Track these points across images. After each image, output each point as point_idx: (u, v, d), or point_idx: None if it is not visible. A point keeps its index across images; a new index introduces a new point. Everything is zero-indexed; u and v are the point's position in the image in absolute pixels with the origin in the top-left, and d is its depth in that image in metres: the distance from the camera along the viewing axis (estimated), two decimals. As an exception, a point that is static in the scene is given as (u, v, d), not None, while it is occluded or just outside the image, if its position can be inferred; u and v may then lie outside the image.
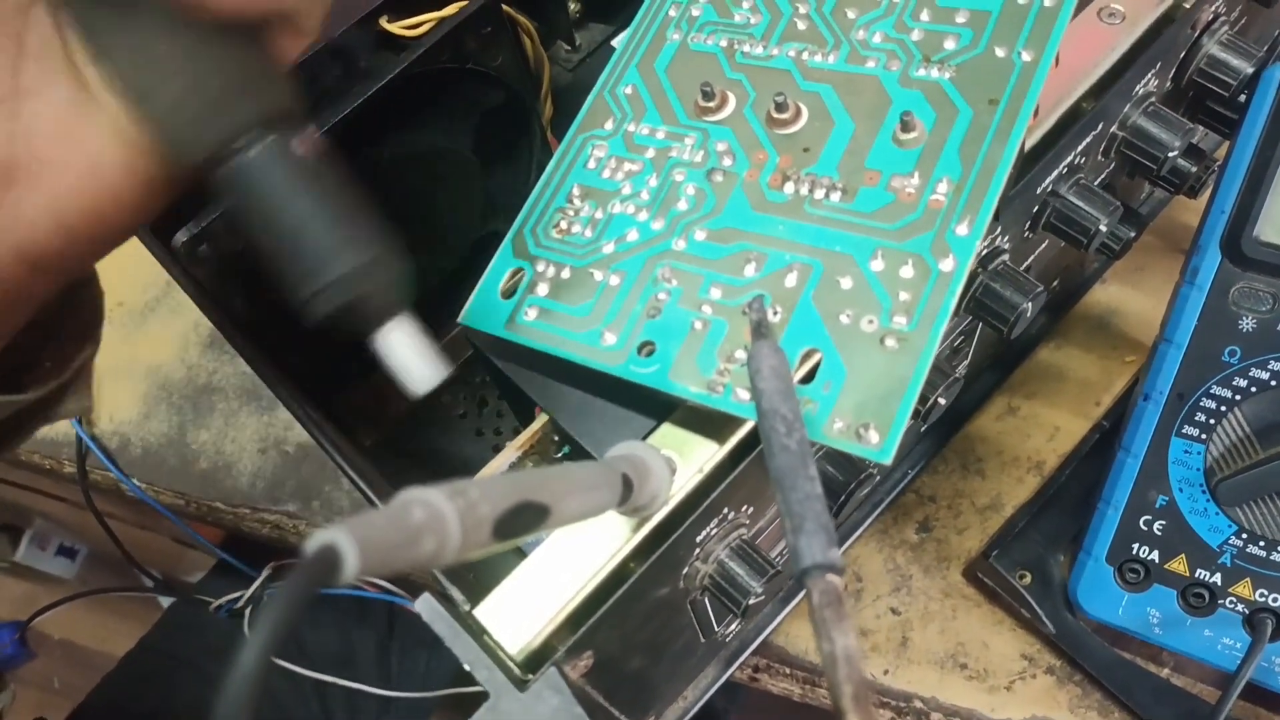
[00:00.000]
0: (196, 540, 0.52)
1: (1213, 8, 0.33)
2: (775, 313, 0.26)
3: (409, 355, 0.23)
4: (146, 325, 0.54)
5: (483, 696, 0.24)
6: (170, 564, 0.97)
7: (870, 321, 0.25)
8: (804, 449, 0.20)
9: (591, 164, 0.31)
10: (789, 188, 0.27)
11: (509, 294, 0.30)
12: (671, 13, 0.33)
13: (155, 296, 0.55)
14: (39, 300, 0.24)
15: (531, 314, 0.29)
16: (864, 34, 0.29)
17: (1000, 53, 0.27)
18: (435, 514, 0.15)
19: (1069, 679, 0.40)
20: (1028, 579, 0.40)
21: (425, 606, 0.25)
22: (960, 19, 0.28)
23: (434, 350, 0.24)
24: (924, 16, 0.28)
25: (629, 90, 0.32)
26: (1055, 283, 0.43)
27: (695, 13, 0.32)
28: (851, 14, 0.30)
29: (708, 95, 0.29)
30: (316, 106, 0.35)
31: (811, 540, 0.18)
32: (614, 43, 0.40)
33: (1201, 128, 0.37)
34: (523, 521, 0.17)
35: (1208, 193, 0.36)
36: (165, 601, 0.80)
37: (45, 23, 0.22)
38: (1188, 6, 0.32)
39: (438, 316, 0.46)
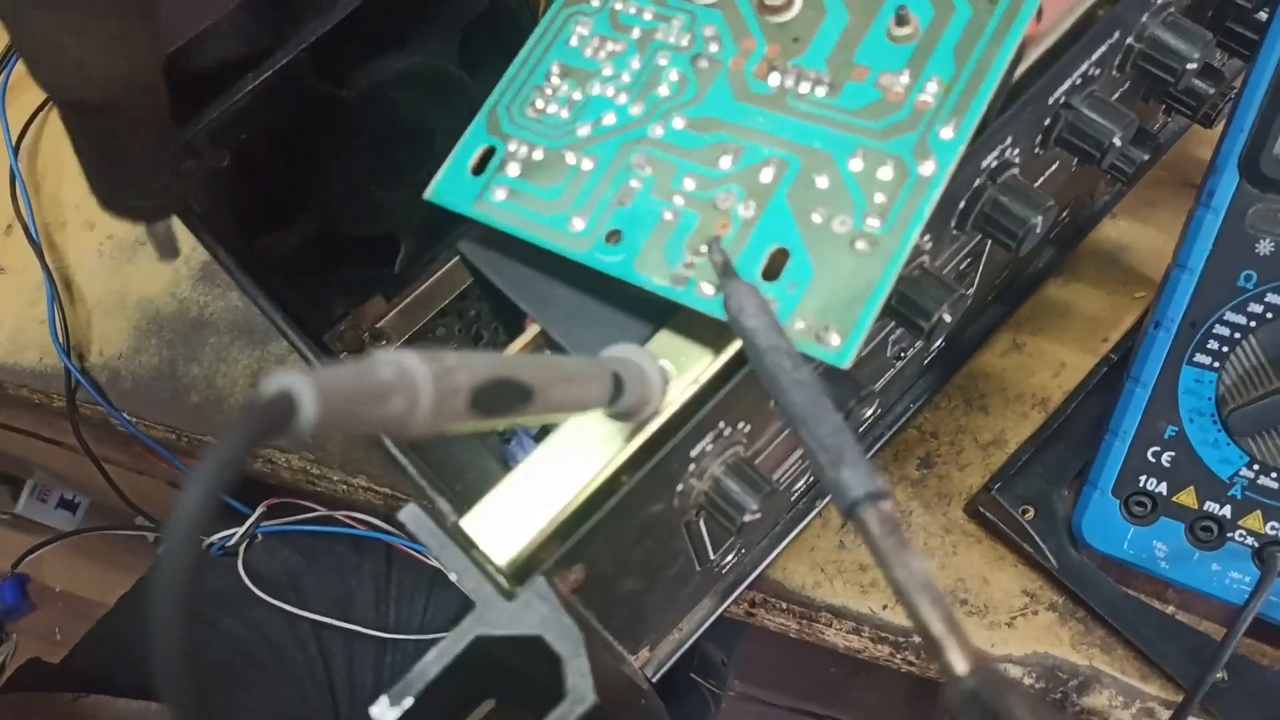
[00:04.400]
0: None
1: (1235, -87, 0.31)
2: (748, 207, 0.25)
3: None
4: (137, 258, 0.53)
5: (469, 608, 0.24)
6: (168, 508, 0.96)
7: (843, 222, 0.24)
8: (815, 380, 0.19)
9: (574, 41, 0.29)
10: (774, 79, 0.26)
11: (479, 170, 0.29)
12: None
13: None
14: None
15: (500, 194, 0.28)
16: None
17: None
18: (405, 373, 0.14)
19: (1071, 615, 0.39)
20: (1031, 513, 0.39)
21: (410, 516, 0.24)
22: None
23: None
24: None
25: None
26: (1065, 214, 0.42)
27: None
28: None
29: None
30: (304, 20, 0.34)
31: (856, 471, 0.17)
32: None
33: (1219, 48, 0.36)
34: (503, 400, 0.16)
35: (1222, 124, 0.34)
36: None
37: None
38: (1209, -91, 0.30)
39: (435, 237, 0.45)
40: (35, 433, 0.72)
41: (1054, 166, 0.35)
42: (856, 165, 0.24)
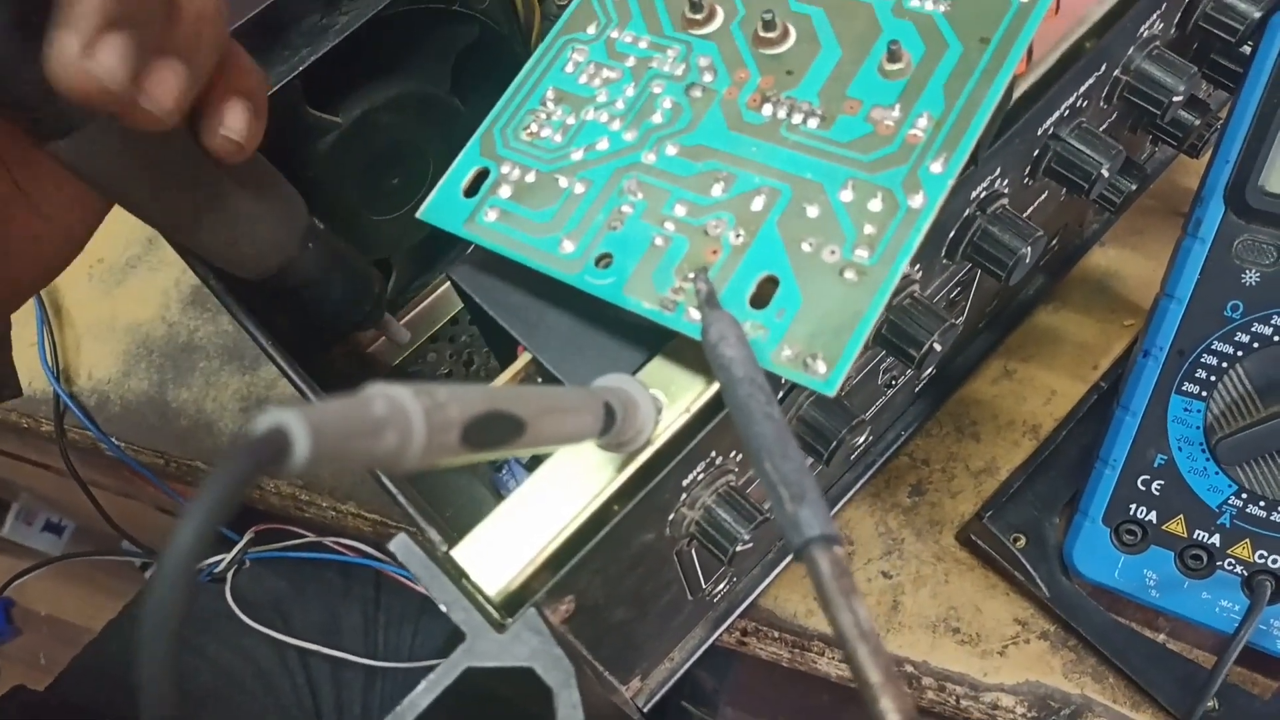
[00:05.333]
0: (177, 502, 0.51)
1: (1220, -52, 0.32)
2: (739, 235, 0.25)
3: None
4: (126, 282, 0.53)
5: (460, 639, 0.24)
6: (155, 533, 0.96)
7: (832, 252, 0.24)
8: (783, 416, 0.20)
9: (570, 68, 0.30)
10: (767, 109, 0.26)
11: (471, 192, 0.29)
12: None
13: (136, 253, 0.54)
14: None
15: (492, 215, 0.28)
16: None
17: None
18: (399, 408, 0.14)
19: (1063, 644, 0.39)
20: (1022, 541, 0.39)
21: (400, 546, 0.24)
22: None
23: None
24: None
25: None
26: (1054, 242, 0.42)
27: None
28: None
29: (695, 7, 0.29)
30: (296, 48, 0.34)
31: (814, 510, 0.17)
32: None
33: (1206, 82, 0.37)
34: (495, 433, 0.16)
35: (1209, 153, 0.35)
36: (150, 573, 0.79)
37: None
38: (1195, -55, 0.31)
39: (427, 263, 0.45)
40: (21, 456, 0.72)
41: (1043, 196, 0.35)
42: (847, 196, 0.24)
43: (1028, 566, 0.39)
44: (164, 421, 0.49)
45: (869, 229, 0.24)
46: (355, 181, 0.39)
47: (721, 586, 0.37)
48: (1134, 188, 0.36)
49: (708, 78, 0.27)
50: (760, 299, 0.24)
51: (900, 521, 0.42)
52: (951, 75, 0.25)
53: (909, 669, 0.39)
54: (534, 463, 0.30)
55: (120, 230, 0.54)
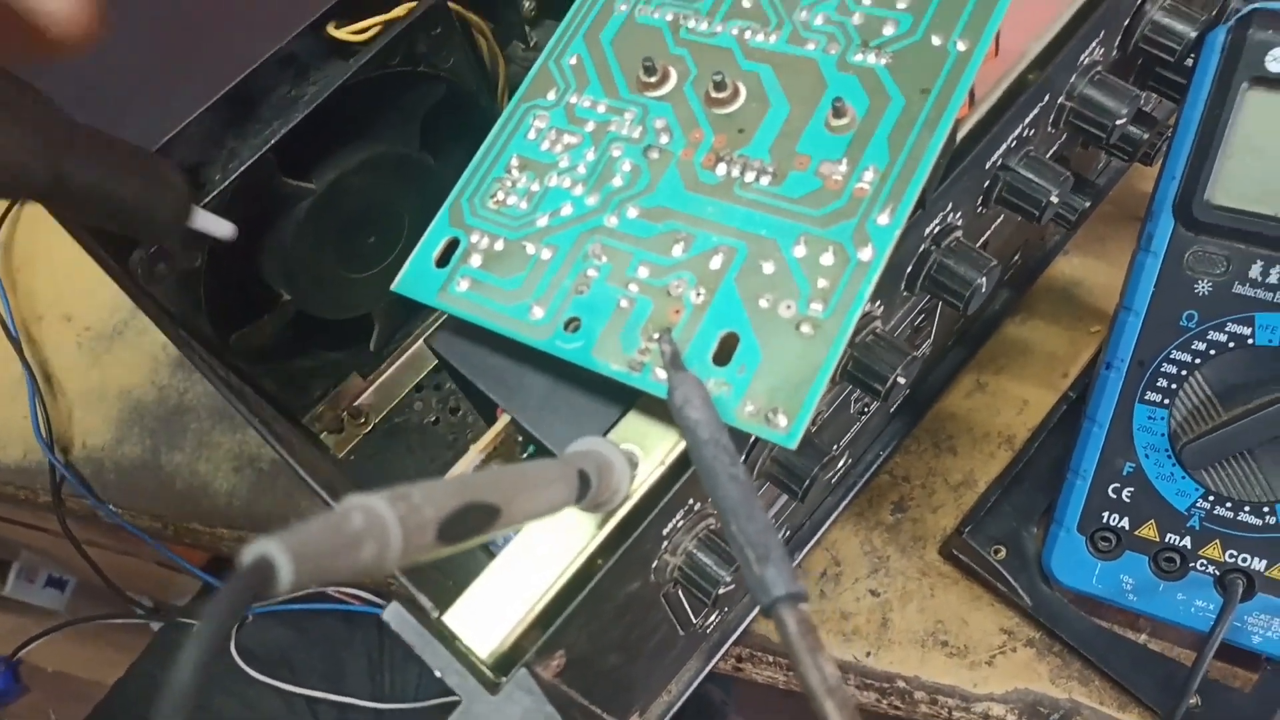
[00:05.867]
0: (178, 564, 0.52)
1: (1150, -27, 0.33)
2: (699, 294, 0.26)
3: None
4: (114, 349, 0.54)
5: (456, 703, 0.24)
6: (158, 588, 0.97)
7: (788, 307, 0.25)
8: (749, 477, 0.21)
9: (532, 134, 0.31)
10: (721, 169, 0.27)
11: (443, 262, 0.30)
12: None
13: (123, 319, 0.55)
14: None
15: (464, 285, 0.29)
16: (807, 15, 0.29)
17: (936, 41, 0.27)
18: (375, 518, 0.15)
19: (1049, 650, 0.40)
20: (1002, 553, 0.40)
21: (393, 615, 0.25)
22: (900, 4, 0.28)
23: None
24: (866, 0, 0.29)
25: (574, 61, 0.32)
26: (1016, 257, 0.43)
27: None
28: None
29: (649, 70, 0.30)
30: (267, 121, 0.35)
31: (780, 570, 0.18)
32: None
33: (1152, 94, 0.38)
34: (471, 524, 0.17)
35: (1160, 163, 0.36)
36: (156, 627, 0.79)
37: None
38: (1126, -25, 0.32)
39: (408, 315, 0.46)
40: (19, 520, 0.73)
41: (999, 220, 0.36)
42: (800, 251, 0.25)
43: (1009, 578, 0.40)
44: (159, 486, 0.50)
45: (822, 283, 0.25)
46: (333, 243, 0.40)
47: (713, 618, 0.38)
48: (1088, 204, 0.37)
49: (664, 139, 0.28)
50: (723, 355, 0.25)
51: (884, 539, 0.43)
52: (895, 127, 0.26)
53: (901, 684, 0.40)
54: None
55: (105, 297, 0.55)
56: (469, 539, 0.17)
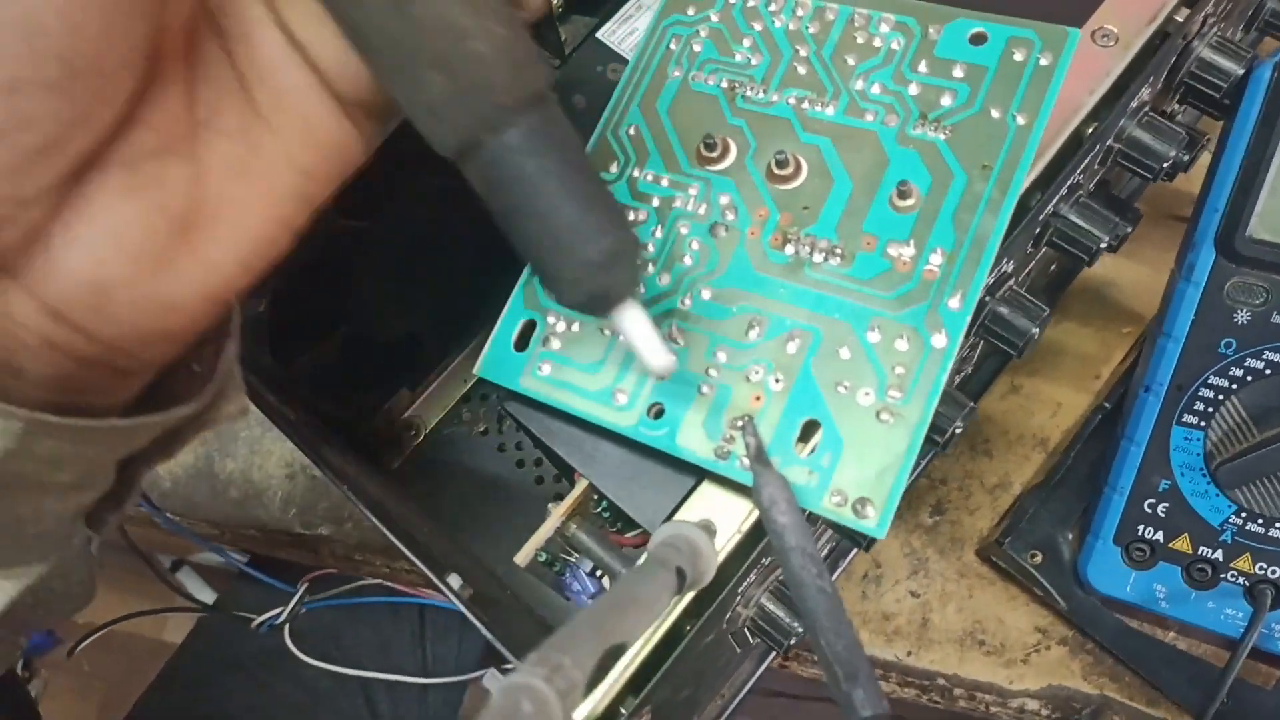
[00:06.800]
0: (231, 564, 0.54)
1: (1202, 14, 0.33)
2: (778, 380, 0.27)
3: (648, 335, 0.24)
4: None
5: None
6: (179, 548, 0.98)
7: (867, 394, 0.26)
8: (835, 588, 0.22)
9: None
10: (789, 248, 0.28)
11: (521, 345, 0.30)
12: (673, 46, 0.33)
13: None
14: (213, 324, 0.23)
15: (546, 369, 0.30)
16: (862, 84, 0.29)
17: (995, 114, 0.27)
18: (540, 701, 0.16)
19: (1081, 649, 0.42)
20: (1039, 558, 0.42)
21: (493, 682, 0.26)
22: (957, 73, 0.28)
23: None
24: (922, 68, 0.29)
25: (632, 131, 0.32)
26: (1053, 266, 0.44)
27: (696, 48, 0.32)
28: (851, 60, 0.30)
29: (710, 145, 0.30)
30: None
31: (868, 690, 0.20)
32: (610, 70, 0.40)
33: (1194, 111, 0.38)
34: (606, 665, 0.19)
35: (1201, 161, 0.36)
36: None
37: (212, 44, 0.22)
38: (1180, 20, 0.32)
39: (456, 331, 0.47)
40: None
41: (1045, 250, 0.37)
42: (874, 337, 0.26)
43: (1045, 583, 0.42)
44: (214, 494, 0.51)
45: (899, 369, 0.26)
46: (384, 271, 0.41)
47: (765, 629, 0.40)
48: (1129, 229, 0.38)
49: (730, 216, 0.29)
50: (805, 441, 0.26)
51: (924, 541, 0.45)
52: (959, 207, 0.27)
53: (941, 682, 0.43)
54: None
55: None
56: (602, 679, 0.19)
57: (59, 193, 0.19)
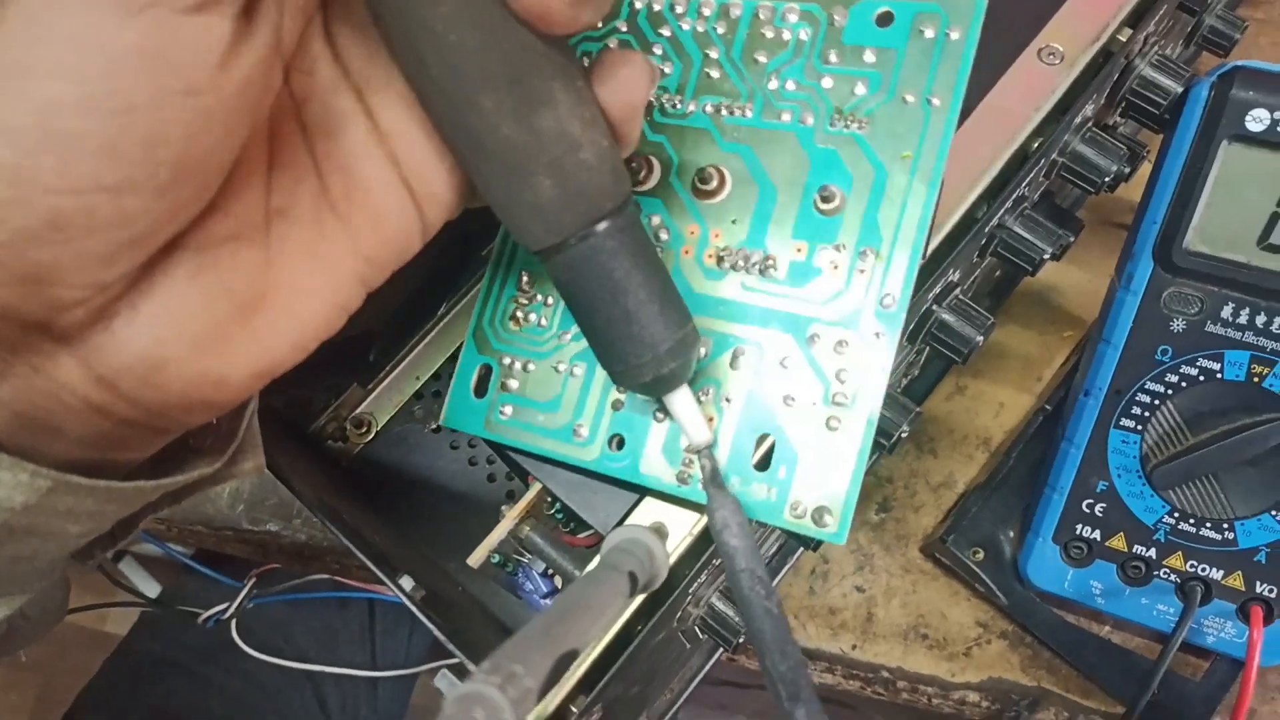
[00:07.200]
0: (176, 559, 0.53)
1: (1144, 34, 0.34)
2: (728, 400, 0.27)
3: (694, 415, 0.26)
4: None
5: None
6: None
7: (814, 404, 0.26)
8: (782, 609, 0.22)
9: None
10: (724, 264, 0.28)
11: (480, 391, 0.30)
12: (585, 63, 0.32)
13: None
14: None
15: (507, 411, 0.29)
16: (776, 83, 0.28)
17: (910, 99, 0.26)
18: (494, 709, 0.16)
19: (1020, 642, 0.43)
20: (981, 555, 0.43)
21: (445, 684, 0.27)
22: (869, 58, 0.27)
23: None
24: (832, 58, 0.27)
25: None
26: (998, 272, 0.45)
27: None
28: (762, 58, 0.28)
29: (634, 167, 0.29)
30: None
31: (809, 709, 0.20)
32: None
33: (1134, 123, 0.39)
34: (559, 671, 0.19)
35: (1141, 170, 0.37)
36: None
37: (294, 132, 0.22)
38: (1123, 40, 0.33)
39: (407, 330, 0.47)
40: None
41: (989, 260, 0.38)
42: (815, 345, 0.26)
43: (986, 579, 0.43)
44: (161, 488, 0.50)
45: (842, 374, 0.26)
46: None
47: (715, 625, 0.41)
48: (1072, 239, 0.39)
49: (664, 236, 0.28)
50: (763, 459, 0.26)
51: (870, 538, 0.46)
52: (884, 203, 0.26)
53: (884, 674, 0.44)
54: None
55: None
56: (555, 684, 0.19)
57: (135, 277, 0.19)
